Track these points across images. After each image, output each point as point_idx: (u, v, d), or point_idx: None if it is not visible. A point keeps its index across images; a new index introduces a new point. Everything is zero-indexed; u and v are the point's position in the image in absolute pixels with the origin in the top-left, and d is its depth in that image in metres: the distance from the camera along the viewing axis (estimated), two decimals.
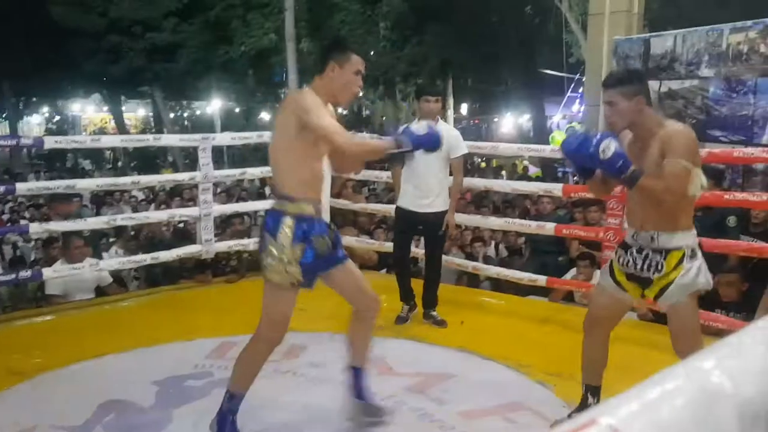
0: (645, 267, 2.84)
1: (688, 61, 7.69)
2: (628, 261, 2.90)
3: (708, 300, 3.99)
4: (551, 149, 6.02)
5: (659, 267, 2.80)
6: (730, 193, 5.26)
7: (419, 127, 2.95)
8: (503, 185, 6.91)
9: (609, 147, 2.54)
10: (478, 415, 3.38)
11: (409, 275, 4.92)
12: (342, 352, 4.18)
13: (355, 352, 3.25)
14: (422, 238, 5.08)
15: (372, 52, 20.57)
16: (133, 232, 7.41)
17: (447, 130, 4.59)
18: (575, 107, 20.40)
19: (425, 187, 4.56)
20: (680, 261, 2.77)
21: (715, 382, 0.41)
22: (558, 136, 19.50)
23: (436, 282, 4.87)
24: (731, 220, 5.65)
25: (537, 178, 13.46)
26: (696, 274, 2.77)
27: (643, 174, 2.61)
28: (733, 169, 7.02)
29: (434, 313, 4.81)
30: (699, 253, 2.81)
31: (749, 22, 7.14)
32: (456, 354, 4.23)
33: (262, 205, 7.40)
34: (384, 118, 24.56)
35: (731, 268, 4.68)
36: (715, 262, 3.79)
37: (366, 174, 6.75)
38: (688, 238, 2.80)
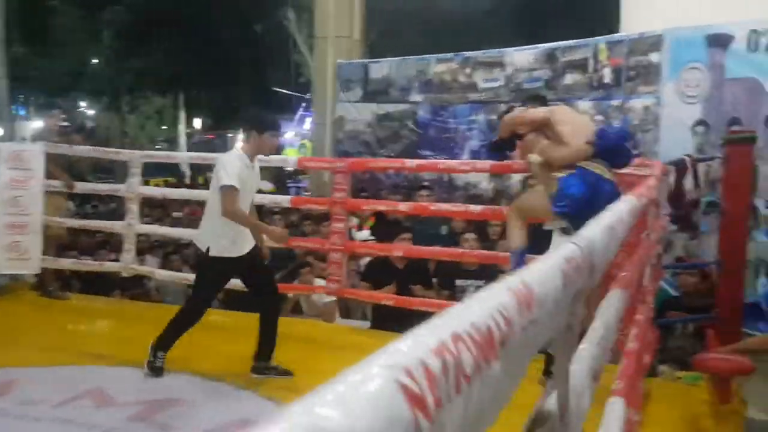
0: None
1: (401, 86, 8.38)
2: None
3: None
4: (280, 159, 6.30)
5: None
6: (435, 204, 5.88)
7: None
8: None
9: None
10: None
11: None
12: (59, 386, 3.91)
13: None
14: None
15: (95, 61, 19.36)
16: None
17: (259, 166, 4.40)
18: (307, 125, 21.05)
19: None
20: None
21: (324, 419, 0.42)
22: (291, 153, 20.04)
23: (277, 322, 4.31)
24: (444, 229, 6.38)
25: (271, 194, 13.63)
26: None
27: None
28: (440, 184, 7.80)
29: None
30: None
31: (451, 54, 7.99)
32: (181, 377, 4.14)
33: None
34: (109, 130, 23.22)
35: None
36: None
37: (84, 187, 6.38)
38: None
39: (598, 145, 3.53)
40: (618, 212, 1.72)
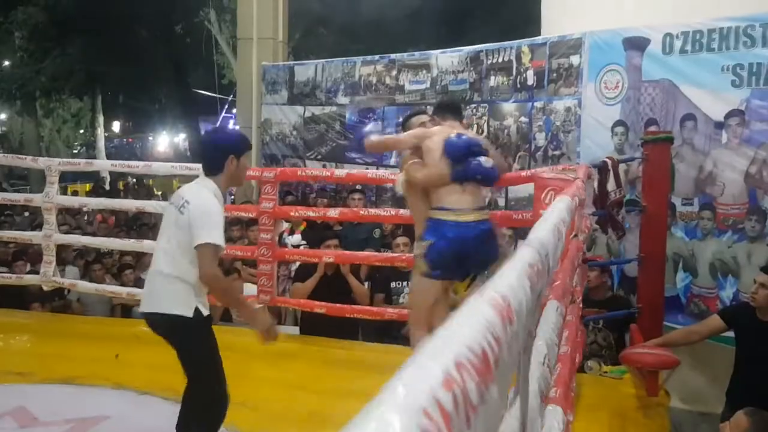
0: None
1: (327, 89, 8.34)
2: None
3: None
4: None
5: None
6: (365, 209, 5.87)
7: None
8: (156, 206, 6.73)
9: None
10: None
11: None
12: None
13: None
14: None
15: (7, 63, 18.57)
16: None
17: None
18: (230, 128, 20.70)
19: None
20: None
21: None
22: None
23: None
24: (376, 233, 6.38)
25: None
26: None
27: None
28: (368, 186, 7.79)
29: None
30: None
31: (377, 57, 8.00)
32: (111, 393, 4.03)
33: None
34: (23, 134, 22.27)
35: None
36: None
37: None
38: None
39: (448, 155, 3.30)
40: (559, 211, 1.72)
